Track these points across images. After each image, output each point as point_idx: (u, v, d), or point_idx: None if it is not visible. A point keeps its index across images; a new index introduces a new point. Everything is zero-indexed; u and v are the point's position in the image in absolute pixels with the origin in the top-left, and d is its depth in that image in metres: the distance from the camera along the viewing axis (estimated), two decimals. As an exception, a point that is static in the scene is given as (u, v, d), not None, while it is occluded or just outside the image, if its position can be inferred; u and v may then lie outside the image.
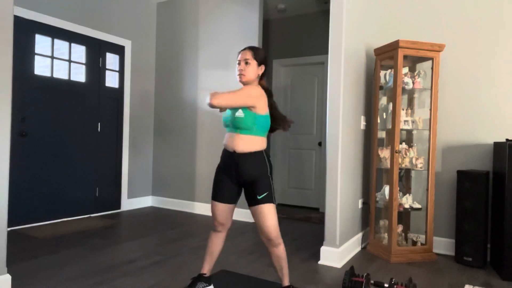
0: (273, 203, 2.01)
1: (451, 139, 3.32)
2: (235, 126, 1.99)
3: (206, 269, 2.20)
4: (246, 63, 2.05)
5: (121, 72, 4.76)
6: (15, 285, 2.34)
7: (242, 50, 2.11)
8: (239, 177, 2.03)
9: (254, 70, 2.05)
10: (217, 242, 2.20)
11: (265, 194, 1.98)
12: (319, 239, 3.64)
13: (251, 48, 2.09)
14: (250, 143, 2.00)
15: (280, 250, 2.04)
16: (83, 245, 3.23)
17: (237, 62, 2.08)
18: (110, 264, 2.78)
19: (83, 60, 4.33)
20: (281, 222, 4.41)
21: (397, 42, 3.00)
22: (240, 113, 1.97)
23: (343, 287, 2.23)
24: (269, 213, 1.98)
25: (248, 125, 1.96)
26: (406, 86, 3.17)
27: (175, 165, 4.99)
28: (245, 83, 2.06)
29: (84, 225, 3.95)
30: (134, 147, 4.95)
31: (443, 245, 3.31)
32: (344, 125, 2.97)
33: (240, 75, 2.05)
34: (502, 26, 3.16)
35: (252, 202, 2.01)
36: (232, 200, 2.10)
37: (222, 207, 2.10)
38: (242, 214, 4.42)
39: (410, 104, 3.42)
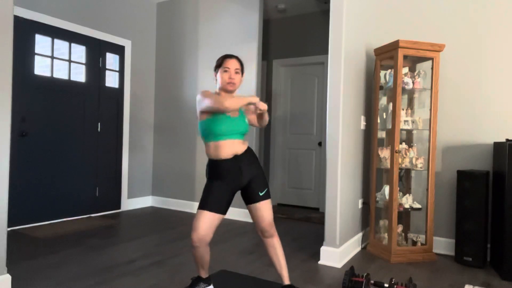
0: (270, 197, 2.14)
1: (451, 139, 3.32)
2: (240, 132, 2.04)
3: (203, 274, 2.17)
4: (236, 72, 2.05)
5: (121, 72, 4.76)
6: (15, 285, 2.34)
7: (229, 58, 2.05)
8: (243, 179, 2.03)
9: (240, 81, 2.09)
10: (202, 255, 2.05)
11: (266, 190, 2.09)
12: (319, 239, 3.64)
13: (238, 59, 2.08)
14: (245, 143, 2.11)
15: (276, 239, 2.15)
16: (83, 245, 3.23)
17: (225, 69, 2.03)
18: (110, 264, 2.78)
19: (83, 60, 4.33)
20: (281, 222, 4.42)
21: (397, 42, 3.00)
22: (246, 120, 2.11)
23: (343, 287, 2.24)
24: (269, 207, 2.10)
25: (248, 129, 2.12)
26: (406, 86, 3.17)
27: (175, 165, 4.99)
28: (231, 92, 2.07)
29: (84, 225, 3.95)
30: (134, 147, 4.95)
31: (443, 245, 3.31)
32: (344, 125, 2.97)
33: (231, 83, 2.03)
34: (502, 26, 3.16)
35: (254, 199, 2.06)
36: (224, 210, 2.02)
37: (211, 217, 1.96)
38: (242, 214, 4.42)
39: (410, 104, 3.42)
